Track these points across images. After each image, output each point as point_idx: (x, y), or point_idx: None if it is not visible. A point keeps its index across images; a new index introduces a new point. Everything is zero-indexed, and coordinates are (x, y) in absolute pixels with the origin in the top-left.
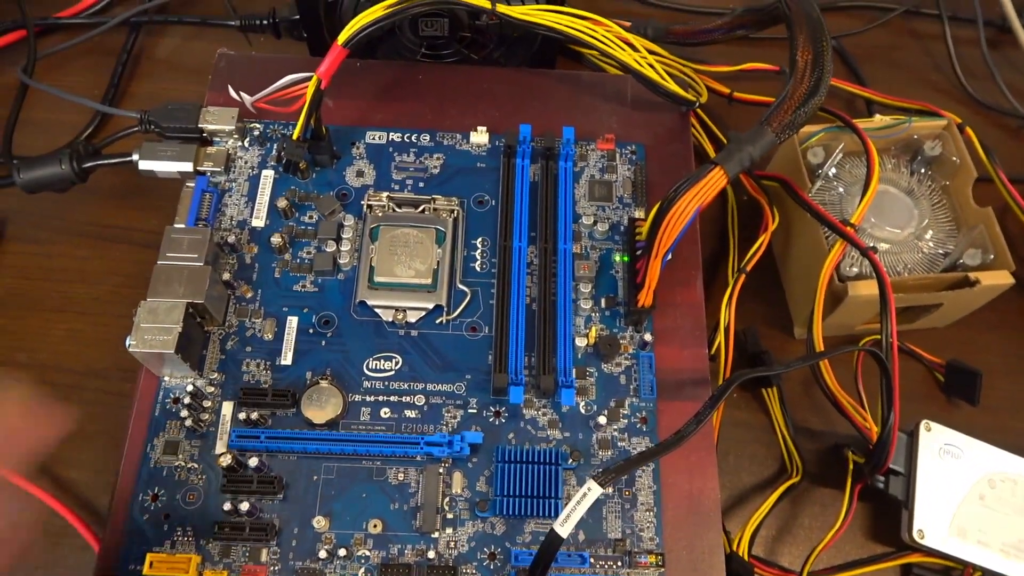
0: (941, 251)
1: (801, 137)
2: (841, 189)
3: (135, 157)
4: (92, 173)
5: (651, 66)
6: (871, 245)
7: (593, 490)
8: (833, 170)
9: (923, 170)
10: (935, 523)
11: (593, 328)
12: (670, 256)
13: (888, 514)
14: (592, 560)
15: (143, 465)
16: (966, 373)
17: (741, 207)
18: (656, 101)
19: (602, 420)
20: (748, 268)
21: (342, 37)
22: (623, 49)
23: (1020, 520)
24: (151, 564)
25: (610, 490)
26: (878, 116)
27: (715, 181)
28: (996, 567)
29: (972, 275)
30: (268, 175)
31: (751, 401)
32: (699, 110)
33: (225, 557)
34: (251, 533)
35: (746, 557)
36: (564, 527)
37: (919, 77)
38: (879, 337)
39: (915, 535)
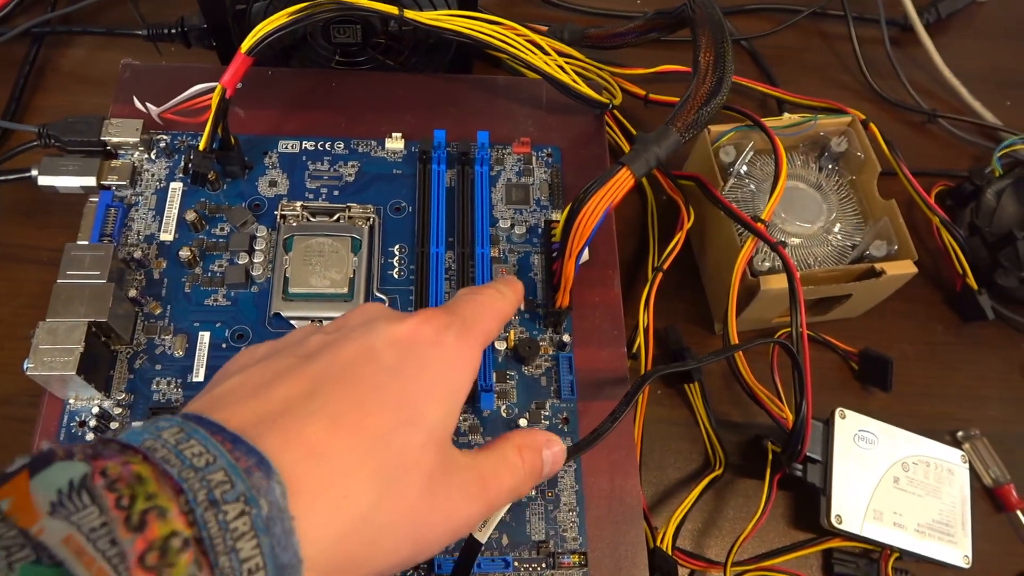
0: (849, 243)
1: (712, 136)
2: (752, 186)
3: (34, 173)
4: None
5: (562, 69)
6: (780, 240)
7: None
8: (744, 168)
9: (830, 166)
10: (852, 508)
11: (512, 331)
12: (585, 257)
13: (808, 501)
14: (516, 564)
15: None
16: (878, 361)
17: (661, 206)
18: (571, 104)
19: (523, 423)
20: (665, 267)
21: (245, 45)
22: (534, 53)
23: (933, 501)
24: None
25: (532, 492)
26: (786, 115)
27: (622, 181)
28: (912, 547)
29: (878, 266)
30: (176, 187)
31: (674, 397)
32: (616, 112)
33: None
34: None
35: (670, 551)
36: (482, 533)
37: (828, 76)
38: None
39: (833, 520)
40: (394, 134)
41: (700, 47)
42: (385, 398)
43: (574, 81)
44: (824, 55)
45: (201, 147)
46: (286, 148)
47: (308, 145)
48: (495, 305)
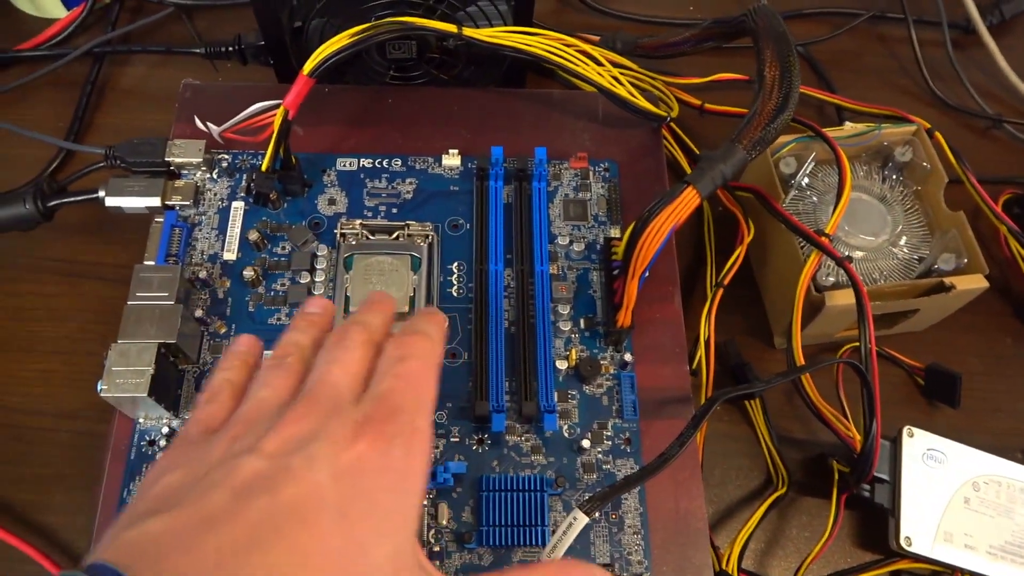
0: (916, 256)
1: (773, 148)
2: (815, 198)
3: (101, 194)
4: (58, 211)
5: (618, 81)
6: (846, 254)
7: (579, 519)
8: (806, 180)
9: (895, 176)
10: (922, 529)
11: (573, 350)
12: (647, 274)
13: (875, 521)
14: None
15: (121, 510)
16: (946, 376)
17: (717, 219)
18: (627, 117)
19: (586, 443)
20: (726, 282)
21: (307, 67)
22: (588, 65)
23: (1006, 522)
24: None
25: (596, 514)
26: (848, 124)
27: (688, 201)
28: (984, 570)
29: (947, 280)
30: (238, 207)
31: (734, 413)
32: (672, 123)
33: None
34: None
35: (735, 573)
36: (552, 558)
37: (887, 81)
38: (858, 344)
39: (902, 542)
40: (451, 150)
41: (765, 61)
42: (332, 548)
43: (631, 94)
44: (883, 59)
45: (264, 168)
46: (344, 166)
47: (366, 163)
48: (430, 366)
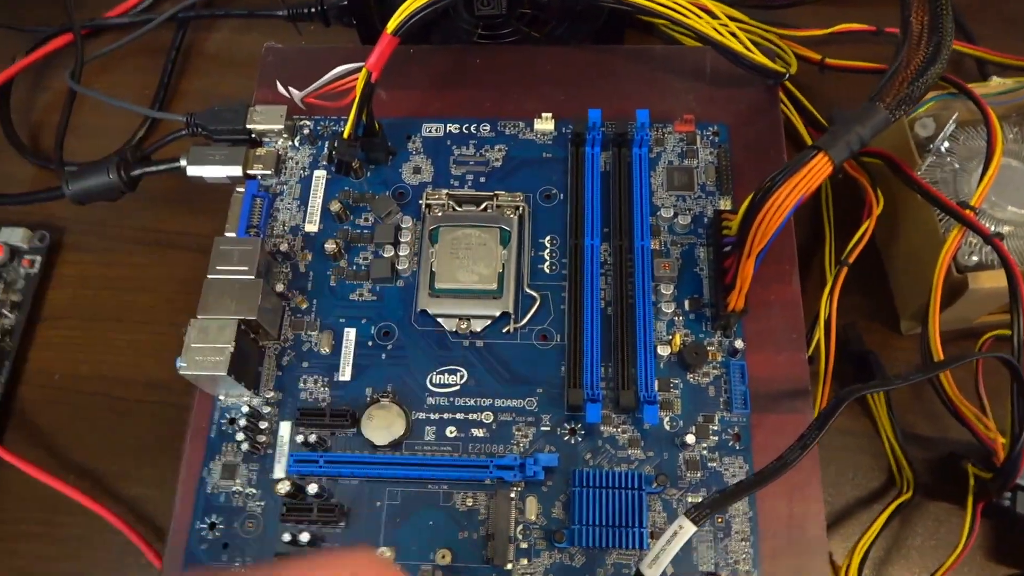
0: None
1: None
2: (956, 165)
3: (183, 163)
4: (140, 181)
5: (733, 35)
6: (995, 231)
7: (686, 528)
8: (946, 144)
9: None
10: None
11: (676, 335)
12: (765, 253)
13: (1012, 532)
14: None
15: (200, 490)
16: None
17: (836, 189)
18: (739, 75)
19: (690, 439)
20: (851, 260)
21: (391, 25)
22: (700, 17)
23: None
24: None
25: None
26: (995, 79)
27: (818, 169)
28: None
29: None
30: (320, 176)
31: (853, 405)
32: (787, 82)
33: None
34: None
35: None
36: (653, 569)
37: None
38: (1004, 332)
39: None
40: (544, 114)
41: (910, 5)
42: None
43: (747, 48)
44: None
45: (345, 135)
46: (430, 132)
47: (452, 128)
48: None
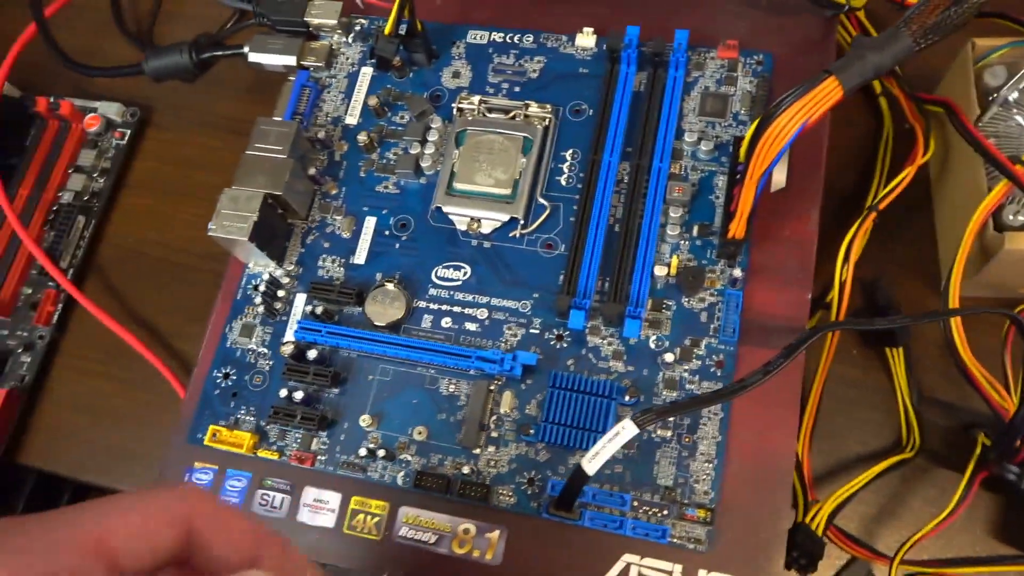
0: None
1: (978, 52)
2: (1020, 118)
3: (246, 50)
4: (212, 65)
5: None
6: None
7: (627, 429)
8: (1015, 95)
9: None
10: None
11: (676, 257)
12: (782, 183)
13: (1018, 508)
14: (635, 504)
15: (221, 344)
16: None
17: (901, 137)
18: (800, 3)
19: (669, 357)
20: (881, 207)
21: None
22: None
23: None
24: (213, 435)
25: (668, 433)
26: None
27: (827, 93)
28: None
29: None
30: (367, 72)
31: (872, 359)
32: (861, 16)
33: (280, 440)
34: (301, 422)
35: (820, 531)
36: (592, 464)
37: None
38: None
39: None
40: (585, 28)
41: None
42: None
43: None
44: None
45: (387, 31)
46: (474, 39)
47: (496, 37)
48: None
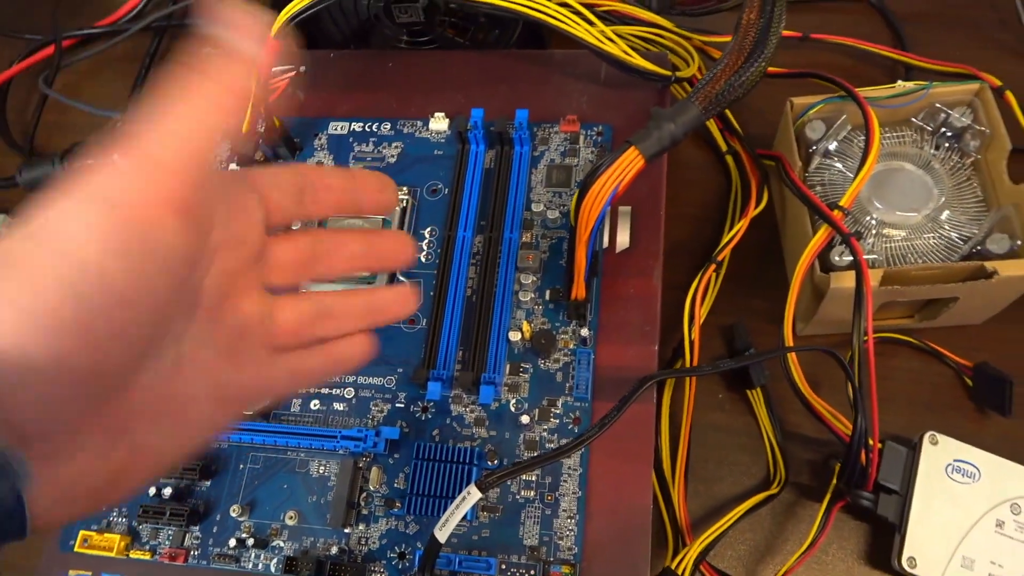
0: (958, 236)
1: (797, 110)
2: (840, 166)
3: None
4: None
5: (612, 41)
6: (854, 230)
7: (472, 494)
8: (833, 145)
9: (947, 144)
10: (933, 551)
11: (526, 323)
12: (626, 244)
13: (889, 538)
14: (501, 566)
15: None
16: (995, 379)
17: (745, 190)
18: (632, 79)
19: (525, 419)
20: (719, 258)
21: (273, 29)
22: (578, 24)
23: None
24: (84, 540)
25: (531, 493)
26: (900, 82)
27: (630, 162)
28: None
29: (990, 265)
30: (233, 169)
31: (737, 403)
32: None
33: (153, 539)
34: (171, 519)
35: (686, 573)
36: (442, 531)
37: (982, 35)
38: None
39: (905, 563)
40: (436, 114)
41: (744, 8)
42: None
43: (625, 53)
44: (978, 9)
45: (244, 129)
46: (336, 130)
47: (356, 127)
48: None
